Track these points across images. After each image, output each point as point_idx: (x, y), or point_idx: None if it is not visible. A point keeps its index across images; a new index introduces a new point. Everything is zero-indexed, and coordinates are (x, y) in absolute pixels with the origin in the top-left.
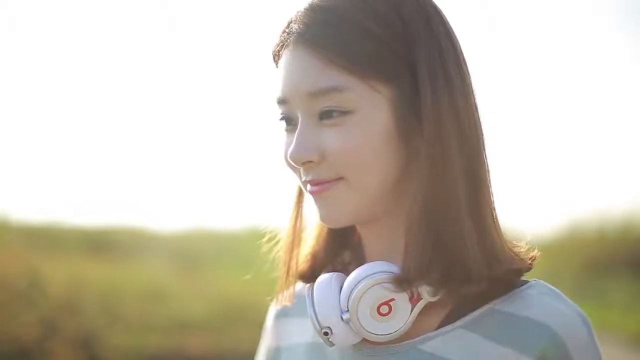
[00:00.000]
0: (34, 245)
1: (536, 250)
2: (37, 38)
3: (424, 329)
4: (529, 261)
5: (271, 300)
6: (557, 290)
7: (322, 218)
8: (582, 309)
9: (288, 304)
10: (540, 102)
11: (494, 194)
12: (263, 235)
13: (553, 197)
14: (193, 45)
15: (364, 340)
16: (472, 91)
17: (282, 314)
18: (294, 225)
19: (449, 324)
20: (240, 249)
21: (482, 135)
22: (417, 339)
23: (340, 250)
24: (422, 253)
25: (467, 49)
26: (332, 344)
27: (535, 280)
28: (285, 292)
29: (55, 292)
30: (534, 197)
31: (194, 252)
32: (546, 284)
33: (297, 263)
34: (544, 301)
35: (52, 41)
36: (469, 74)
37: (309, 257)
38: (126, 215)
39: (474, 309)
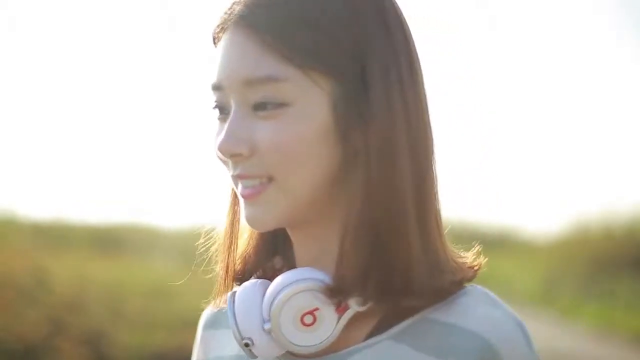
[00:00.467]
0: (41, 243)
1: (482, 258)
2: (37, 38)
3: (353, 340)
4: (474, 270)
5: (208, 304)
6: (494, 297)
7: (248, 220)
8: (588, 307)
9: (225, 306)
10: (545, 101)
11: (439, 201)
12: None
13: (560, 196)
14: (193, 44)
15: (289, 352)
16: (424, 91)
17: (211, 324)
18: (231, 223)
19: (378, 334)
20: None
21: (432, 139)
22: (345, 351)
23: (272, 254)
24: (359, 262)
25: (467, 48)
26: (254, 356)
27: (472, 286)
28: (223, 296)
29: (62, 289)
30: (541, 196)
31: (200, 250)
32: (483, 289)
33: (234, 264)
34: (478, 308)
35: (52, 41)
36: (421, 72)
37: (240, 260)
38: (132, 212)
39: (404, 318)
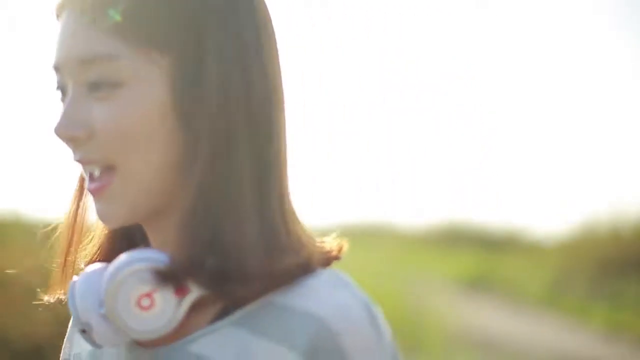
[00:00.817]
0: (47, 242)
1: (343, 240)
2: (37, 38)
3: (199, 325)
4: (334, 252)
5: (47, 295)
6: (347, 280)
7: (98, 216)
8: (596, 308)
9: (63, 298)
10: (549, 101)
11: (287, 179)
12: None
13: (567, 197)
14: None
15: (135, 340)
16: (277, 71)
17: None
18: (75, 211)
19: (222, 319)
20: None
21: (281, 115)
22: (187, 337)
23: (130, 243)
24: (195, 246)
25: (467, 48)
26: (97, 345)
27: (325, 270)
28: (60, 289)
29: None
30: (548, 197)
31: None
32: (336, 272)
33: (75, 255)
34: (323, 291)
35: (52, 41)
36: (275, 51)
37: (95, 249)
38: None
39: (248, 302)
